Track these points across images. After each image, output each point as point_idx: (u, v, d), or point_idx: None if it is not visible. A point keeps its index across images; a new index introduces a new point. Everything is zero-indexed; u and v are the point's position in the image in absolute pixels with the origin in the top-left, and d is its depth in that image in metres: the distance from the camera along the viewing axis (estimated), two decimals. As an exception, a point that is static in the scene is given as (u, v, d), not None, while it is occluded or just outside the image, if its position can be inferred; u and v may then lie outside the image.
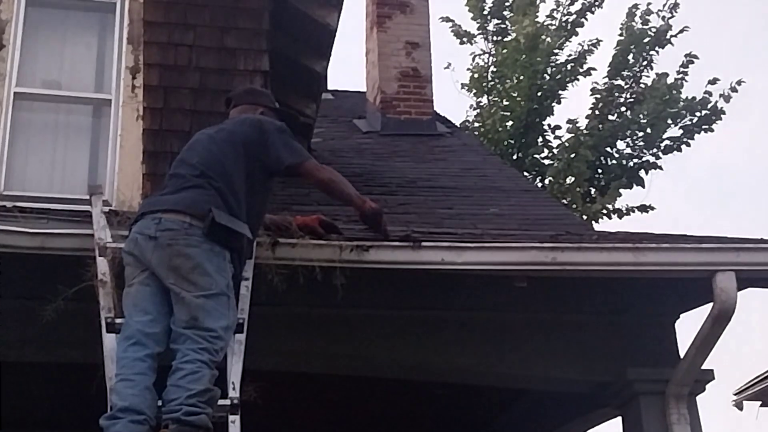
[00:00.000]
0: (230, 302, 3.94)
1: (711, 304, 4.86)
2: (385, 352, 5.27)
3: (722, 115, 13.82)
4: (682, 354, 5.22)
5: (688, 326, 5.33)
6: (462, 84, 15.25)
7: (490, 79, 14.83)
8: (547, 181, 13.55)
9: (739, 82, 13.82)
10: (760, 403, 13.62)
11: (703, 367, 5.13)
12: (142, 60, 5.83)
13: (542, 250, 4.79)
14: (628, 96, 14.20)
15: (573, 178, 13.24)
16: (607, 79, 14.22)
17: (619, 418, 5.63)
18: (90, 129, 5.97)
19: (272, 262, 4.41)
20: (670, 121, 13.83)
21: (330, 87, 10.72)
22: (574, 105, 26.98)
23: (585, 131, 13.71)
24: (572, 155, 13.26)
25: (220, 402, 3.77)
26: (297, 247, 4.52)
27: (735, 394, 13.86)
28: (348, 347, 5.21)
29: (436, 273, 4.79)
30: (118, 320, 3.94)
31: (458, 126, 10.86)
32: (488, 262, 4.77)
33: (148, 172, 5.57)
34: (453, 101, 33.20)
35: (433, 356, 5.34)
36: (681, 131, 13.94)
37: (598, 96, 14.10)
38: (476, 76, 14.91)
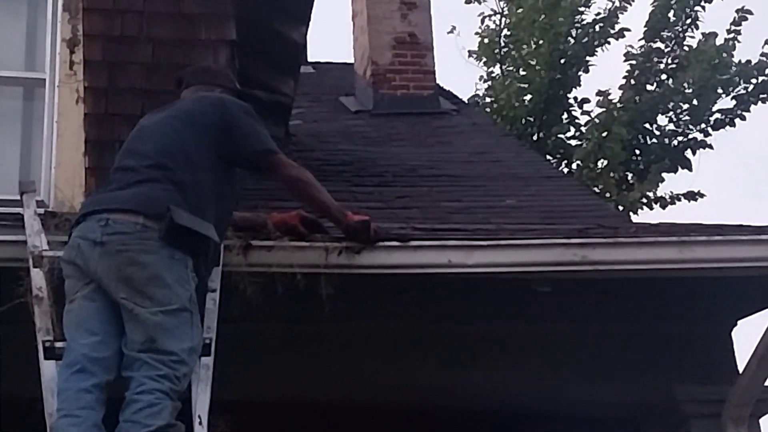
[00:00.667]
0: (194, 319, 3.92)
1: (774, 307, 4.87)
2: (384, 373, 5.27)
3: (783, 81, 13.83)
4: (740, 368, 5.22)
5: (747, 335, 5.33)
6: (469, 51, 15.29)
7: (503, 44, 14.85)
8: (574, 166, 13.57)
9: (802, 41, 13.82)
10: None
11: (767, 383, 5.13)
12: (82, 31, 5.81)
13: (569, 247, 4.79)
14: (670, 61, 14.21)
15: (605, 162, 13.26)
16: (643, 42, 14.23)
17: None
18: (20, 115, 5.97)
19: (245, 269, 4.40)
20: (720, 91, 13.83)
21: (311, 59, 10.74)
22: (604, 74, 26.88)
23: (619, 105, 13.71)
24: (604, 134, 13.27)
25: (186, 441, 3.77)
26: (274, 250, 4.51)
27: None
28: (339, 369, 5.21)
29: (442, 277, 4.80)
30: (58, 344, 3.91)
31: (466, 102, 10.87)
32: (504, 263, 4.76)
33: (91, 165, 5.55)
34: (459, 72, 33.13)
35: (441, 376, 5.34)
36: (734, 102, 13.95)
37: (634, 62, 14.10)
38: (486, 41, 14.93)
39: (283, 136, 7.68)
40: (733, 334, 5.53)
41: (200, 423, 3.83)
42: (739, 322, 5.54)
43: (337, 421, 6.39)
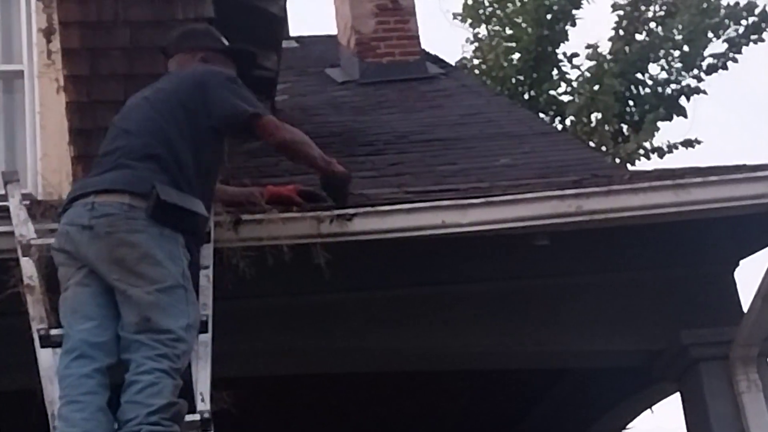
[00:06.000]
0: (189, 295, 3.91)
1: (775, 244, 4.86)
2: (388, 341, 5.25)
3: (774, 20, 13.81)
4: (745, 308, 5.20)
5: (750, 275, 5.31)
6: (454, 14, 15.26)
7: (487, 4, 14.79)
8: (568, 122, 13.54)
9: (791, -22, 13.81)
10: None
11: (774, 321, 5.12)
12: (57, 19, 5.78)
13: (564, 198, 4.77)
14: (658, 9, 14.18)
15: (599, 115, 13.24)
16: (630, -9, 14.19)
17: (678, 393, 5.63)
18: (1, 108, 5.93)
19: (237, 244, 4.38)
20: (710, 35, 13.81)
21: (294, 33, 10.70)
22: (593, 26, 26.77)
23: (609, 56, 13.68)
24: (596, 87, 13.24)
25: (189, 418, 3.76)
26: (264, 223, 4.48)
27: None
28: (341, 340, 5.19)
29: (438, 239, 4.77)
30: (53, 331, 3.91)
31: (453, 65, 10.81)
32: (500, 220, 4.74)
33: (77, 153, 5.52)
34: (445, 36, 33.08)
35: (447, 340, 5.32)
36: (725, 45, 13.92)
37: (621, 12, 14.08)
38: (470, 2, 14.87)
39: (270, 111, 7.66)
40: (735, 274, 5.52)
41: (202, 400, 3.84)
42: (741, 262, 5.52)
43: (344, 392, 6.41)
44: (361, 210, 4.62)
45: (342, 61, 9.61)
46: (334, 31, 10.12)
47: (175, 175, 4.02)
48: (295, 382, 5.80)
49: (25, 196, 4.60)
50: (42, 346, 3.90)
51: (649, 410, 6.88)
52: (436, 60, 9.86)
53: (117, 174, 4.02)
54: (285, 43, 7.94)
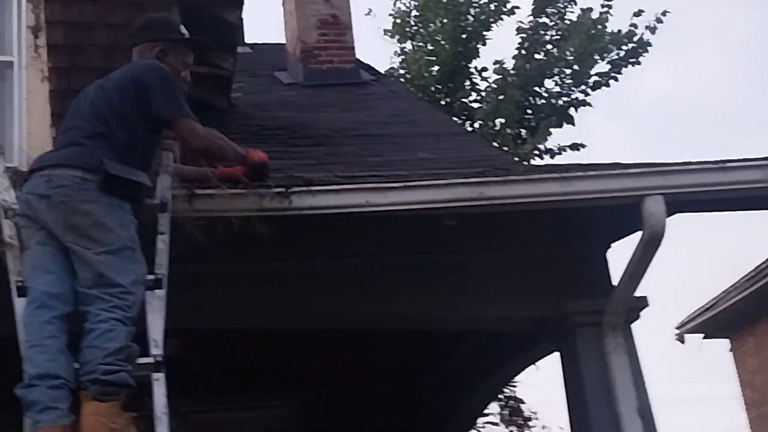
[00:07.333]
0: (136, 255, 3.83)
1: (641, 231, 4.85)
2: (321, 303, 5.18)
3: (648, 47, 13.96)
4: (615, 283, 5.22)
5: (619, 255, 5.35)
6: (384, 30, 15.22)
7: (413, 23, 14.76)
8: (477, 125, 13.56)
9: (663, 13, 13.96)
10: (702, 335, 13.89)
11: (637, 294, 5.15)
12: (44, 18, 5.64)
13: (468, 185, 4.73)
14: (554, 33, 14.25)
15: (503, 120, 13.27)
16: (531, 17, 14.23)
17: (558, 353, 5.64)
18: (-7, 94, 5.80)
19: (191, 215, 4.29)
20: (597, 57, 13.91)
21: (248, 41, 10.57)
22: (499, 46, 27.00)
23: (512, 72, 13.72)
24: (500, 97, 13.27)
25: (142, 360, 3.70)
26: (215, 197, 4.40)
27: (677, 328, 14.13)
28: (281, 300, 5.10)
29: (364, 217, 4.70)
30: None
31: (383, 74, 10.76)
32: (415, 201, 4.69)
33: (57, 134, 5.41)
34: (377, 49, 33.04)
35: (371, 303, 5.25)
36: (609, 66, 14.04)
37: (524, 35, 14.11)
38: (399, 21, 14.84)
39: (226, 106, 7.57)
40: (607, 255, 5.54)
41: (156, 346, 3.76)
42: (612, 244, 5.55)
43: (275, 346, 6.33)
44: (297, 189, 4.54)
45: (289, 66, 9.52)
46: (282, 40, 10.03)
47: (119, 152, 3.91)
48: (237, 334, 5.71)
49: (9, 168, 4.47)
50: (18, 296, 3.80)
51: (533, 366, 6.91)
52: (369, 68, 9.81)
53: (70, 150, 3.92)
54: (240, 49, 7.84)
